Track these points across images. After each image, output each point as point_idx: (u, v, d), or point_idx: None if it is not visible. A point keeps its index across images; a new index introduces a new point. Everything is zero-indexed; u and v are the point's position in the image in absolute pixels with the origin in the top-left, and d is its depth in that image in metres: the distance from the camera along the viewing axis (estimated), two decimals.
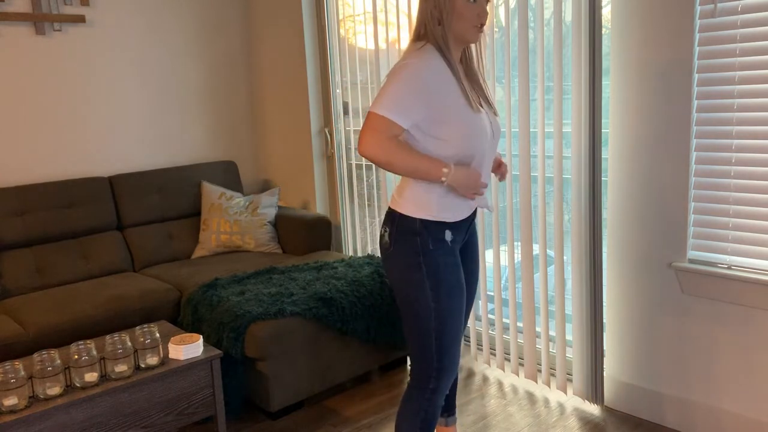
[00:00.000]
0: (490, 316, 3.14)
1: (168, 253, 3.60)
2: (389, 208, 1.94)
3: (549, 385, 2.90)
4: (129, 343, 2.30)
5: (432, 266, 1.85)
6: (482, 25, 1.86)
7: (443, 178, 1.78)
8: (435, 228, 1.86)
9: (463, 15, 1.82)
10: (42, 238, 3.30)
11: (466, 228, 2.00)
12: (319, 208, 3.94)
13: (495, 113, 2.00)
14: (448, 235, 1.86)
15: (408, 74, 1.76)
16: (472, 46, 1.96)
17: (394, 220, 1.90)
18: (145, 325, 2.36)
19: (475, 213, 2.04)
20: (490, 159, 1.97)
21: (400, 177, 1.92)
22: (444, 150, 1.82)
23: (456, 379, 2.31)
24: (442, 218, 1.86)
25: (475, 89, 1.95)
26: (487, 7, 1.89)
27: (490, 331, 3.16)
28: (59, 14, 3.41)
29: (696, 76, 2.32)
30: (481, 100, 1.95)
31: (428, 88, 1.77)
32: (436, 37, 1.83)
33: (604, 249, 2.63)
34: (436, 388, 1.95)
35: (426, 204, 1.86)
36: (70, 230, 3.39)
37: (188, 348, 2.38)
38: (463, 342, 3.30)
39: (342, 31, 3.68)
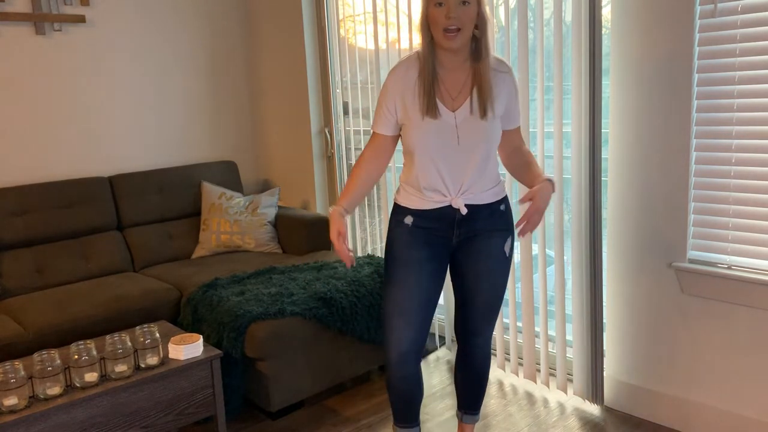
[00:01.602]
0: None
1: (168, 253, 3.60)
2: None
3: (549, 385, 2.90)
4: (129, 343, 2.30)
5: (388, 240, 2.13)
6: (450, 29, 1.83)
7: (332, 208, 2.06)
8: (399, 210, 2.12)
9: (434, 20, 1.87)
10: (42, 238, 3.30)
11: (446, 221, 2.05)
12: (319, 208, 3.94)
13: (482, 117, 1.94)
14: (408, 219, 2.08)
15: (383, 86, 2.05)
16: (483, 47, 1.93)
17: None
18: (145, 325, 2.36)
19: (483, 212, 2.07)
20: (454, 164, 2.00)
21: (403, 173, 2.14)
22: (404, 142, 2.07)
23: (471, 377, 2.31)
24: (404, 204, 2.10)
25: (479, 94, 1.93)
26: (474, 11, 1.85)
27: None
28: (59, 14, 3.41)
29: (696, 76, 2.32)
30: (471, 104, 1.94)
31: (392, 95, 2.01)
32: (420, 43, 1.97)
33: (604, 249, 2.63)
34: (386, 358, 2.14)
35: (398, 192, 2.15)
36: (70, 230, 3.38)
37: (188, 348, 2.38)
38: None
39: (342, 31, 3.68)
